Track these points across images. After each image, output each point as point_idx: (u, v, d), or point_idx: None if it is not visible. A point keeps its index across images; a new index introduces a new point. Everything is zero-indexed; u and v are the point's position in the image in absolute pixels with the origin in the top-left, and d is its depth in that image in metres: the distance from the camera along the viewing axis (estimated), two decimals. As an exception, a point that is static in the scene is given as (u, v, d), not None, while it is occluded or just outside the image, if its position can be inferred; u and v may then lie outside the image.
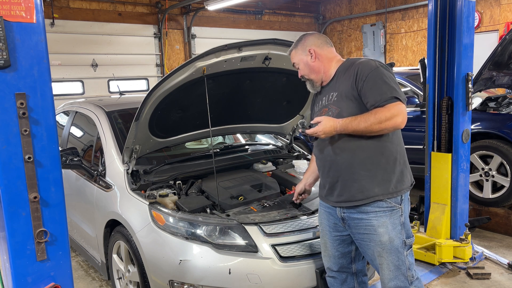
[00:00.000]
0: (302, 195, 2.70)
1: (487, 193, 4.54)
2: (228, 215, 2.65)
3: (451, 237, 3.72)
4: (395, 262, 2.14)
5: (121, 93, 4.56)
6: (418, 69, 4.00)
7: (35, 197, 1.68)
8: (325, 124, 2.06)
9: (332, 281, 2.43)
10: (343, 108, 2.13)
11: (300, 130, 2.18)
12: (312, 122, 2.13)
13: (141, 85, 9.65)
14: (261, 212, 2.69)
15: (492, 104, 4.82)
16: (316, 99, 2.36)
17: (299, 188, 2.68)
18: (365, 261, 2.46)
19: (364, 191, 2.11)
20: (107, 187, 3.08)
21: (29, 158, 1.66)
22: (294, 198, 2.73)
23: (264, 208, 2.76)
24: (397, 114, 1.97)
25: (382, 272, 2.18)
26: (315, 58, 2.24)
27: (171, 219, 2.57)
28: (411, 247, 2.21)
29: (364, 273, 2.46)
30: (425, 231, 3.85)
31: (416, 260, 3.70)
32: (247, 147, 3.81)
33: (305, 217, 2.69)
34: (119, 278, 3.09)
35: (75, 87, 8.76)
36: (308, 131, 2.12)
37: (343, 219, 2.23)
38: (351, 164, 2.12)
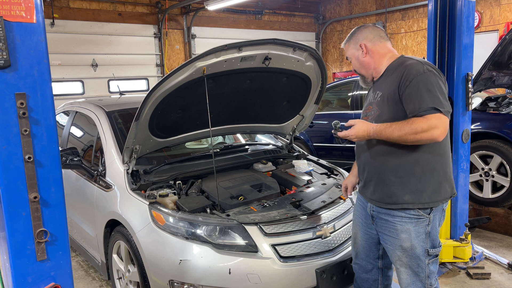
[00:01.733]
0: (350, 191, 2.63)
1: (487, 193, 4.54)
2: (228, 215, 2.65)
3: (451, 237, 3.72)
4: (414, 268, 2.12)
5: (121, 93, 4.56)
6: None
7: (35, 197, 1.69)
8: (358, 129, 2.03)
9: (357, 268, 2.48)
10: (383, 112, 2.08)
11: (332, 131, 2.15)
12: (346, 124, 2.08)
13: (141, 85, 9.65)
14: (261, 212, 2.69)
15: (492, 104, 4.82)
16: (369, 91, 2.31)
17: (347, 185, 2.58)
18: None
19: (393, 196, 2.08)
20: (107, 187, 3.08)
21: (29, 158, 1.66)
22: (345, 196, 2.73)
23: (264, 208, 2.76)
24: (435, 127, 1.88)
25: (400, 276, 2.18)
26: (365, 53, 2.18)
27: (171, 219, 2.58)
28: (436, 257, 2.16)
29: (390, 268, 2.46)
30: (425, 231, 3.84)
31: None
32: (247, 147, 3.81)
33: (305, 217, 2.69)
34: (119, 278, 3.09)
35: (75, 87, 8.76)
36: (340, 134, 2.08)
37: (372, 216, 2.24)
38: (383, 169, 2.10)
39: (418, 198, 2.05)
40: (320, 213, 2.78)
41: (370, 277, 2.45)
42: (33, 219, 1.69)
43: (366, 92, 2.34)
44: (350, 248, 2.63)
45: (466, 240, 3.58)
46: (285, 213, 2.69)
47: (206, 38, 10.35)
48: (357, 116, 2.56)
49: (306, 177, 3.37)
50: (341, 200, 3.00)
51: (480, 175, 4.59)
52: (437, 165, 2.07)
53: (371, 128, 2.01)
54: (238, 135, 4.25)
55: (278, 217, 2.63)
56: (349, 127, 2.05)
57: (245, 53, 2.69)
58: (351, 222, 2.60)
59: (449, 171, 2.14)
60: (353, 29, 2.27)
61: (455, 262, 3.63)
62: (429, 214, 2.08)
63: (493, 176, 4.49)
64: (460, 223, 3.71)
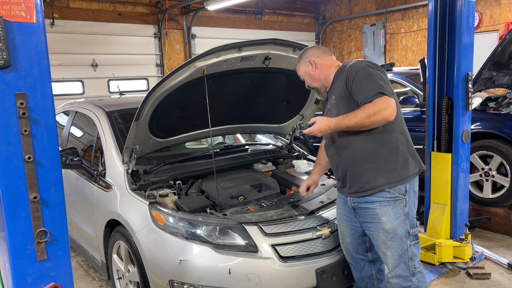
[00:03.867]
0: (310, 189, 2.82)
1: (487, 193, 4.54)
2: (225, 215, 2.65)
3: (451, 237, 3.72)
4: (398, 251, 2.29)
5: (121, 93, 4.56)
6: (418, 69, 4.00)
7: (35, 197, 1.69)
8: (319, 123, 2.24)
9: (352, 268, 2.61)
10: (340, 110, 2.29)
11: (298, 131, 2.35)
12: (308, 122, 2.30)
13: (141, 85, 9.65)
14: (258, 212, 2.69)
15: (492, 104, 4.82)
16: (325, 103, 2.53)
17: (304, 185, 2.80)
18: None
19: (370, 182, 2.26)
20: (107, 187, 3.08)
21: (29, 158, 1.66)
22: (302, 194, 2.80)
23: (262, 208, 2.76)
24: (384, 107, 2.09)
25: (386, 260, 2.34)
26: (315, 67, 2.43)
27: (171, 219, 2.58)
28: (416, 238, 2.34)
29: (381, 261, 2.57)
30: (425, 231, 3.85)
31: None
32: (247, 147, 3.81)
33: (303, 217, 2.69)
34: (119, 278, 3.09)
35: (75, 87, 8.76)
36: (305, 131, 2.29)
37: (354, 208, 2.41)
38: (354, 159, 2.29)
39: (391, 177, 2.24)
40: (319, 213, 2.78)
41: (365, 274, 2.60)
42: (33, 219, 1.69)
43: None
44: None
45: (466, 240, 3.58)
46: (282, 213, 2.69)
47: (206, 38, 10.34)
48: None
49: (306, 177, 3.37)
50: None
51: (480, 175, 4.59)
52: (399, 144, 2.27)
53: (331, 121, 2.22)
54: (238, 135, 4.25)
55: (275, 217, 2.63)
56: (312, 125, 2.26)
57: (245, 53, 2.70)
58: None
59: (412, 147, 2.35)
60: (301, 52, 2.53)
61: (455, 262, 3.63)
62: (404, 195, 2.27)
63: (493, 176, 4.49)
64: (460, 223, 3.71)
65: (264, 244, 2.49)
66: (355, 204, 2.39)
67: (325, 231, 2.66)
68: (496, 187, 4.53)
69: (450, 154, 3.62)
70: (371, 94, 2.14)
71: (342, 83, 2.29)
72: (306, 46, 2.94)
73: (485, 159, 4.55)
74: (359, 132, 2.24)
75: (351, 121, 2.16)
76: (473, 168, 4.55)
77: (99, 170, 3.26)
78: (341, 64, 2.43)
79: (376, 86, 2.16)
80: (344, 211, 2.53)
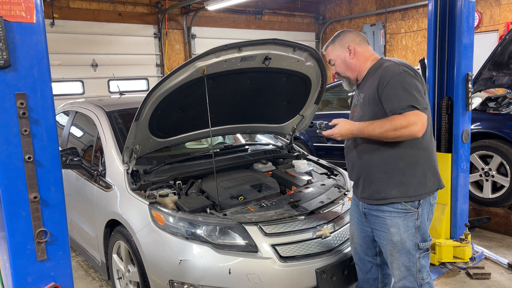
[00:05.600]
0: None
1: (487, 193, 4.54)
2: (225, 214, 2.65)
3: (451, 237, 3.72)
4: (406, 263, 2.19)
5: (121, 93, 4.56)
6: (418, 69, 4.00)
7: (35, 197, 1.69)
8: (341, 127, 2.12)
9: (357, 269, 2.55)
10: (365, 112, 2.18)
11: (317, 131, 2.23)
12: (330, 123, 2.16)
13: (141, 85, 9.65)
14: (258, 212, 2.69)
15: (492, 104, 4.82)
16: (355, 94, 2.40)
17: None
18: None
19: (381, 192, 2.17)
20: (107, 187, 3.08)
21: (29, 158, 1.66)
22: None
23: (262, 208, 2.76)
24: (413, 123, 1.96)
25: (393, 270, 2.26)
26: (353, 55, 2.25)
27: (171, 219, 2.58)
28: (427, 251, 2.22)
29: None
30: (425, 231, 3.84)
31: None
32: (247, 147, 3.81)
33: (303, 217, 2.69)
34: (119, 278, 3.09)
35: (75, 87, 8.76)
36: (325, 133, 2.17)
37: (365, 214, 2.33)
38: (369, 166, 2.20)
39: (404, 191, 2.13)
40: (319, 213, 2.78)
41: (370, 276, 2.52)
42: (33, 219, 1.69)
43: None
44: (350, 248, 2.64)
45: (466, 240, 3.58)
46: (282, 213, 2.69)
47: (206, 38, 10.34)
48: None
49: (306, 177, 3.37)
50: (341, 200, 3.00)
51: (480, 175, 4.59)
52: (420, 159, 2.15)
53: (354, 127, 2.10)
54: (238, 135, 4.25)
55: (275, 217, 2.63)
56: (333, 126, 2.13)
57: (245, 53, 2.69)
58: None
59: (434, 164, 2.22)
60: (337, 33, 2.33)
61: (455, 262, 3.63)
62: (417, 208, 2.15)
63: (493, 176, 4.49)
64: (460, 223, 3.71)
65: (264, 244, 2.49)
66: (366, 210, 2.31)
67: (325, 231, 2.66)
68: (496, 187, 4.53)
69: (450, 154, 3.62)
70: (402, 105, 1.99)
71: (374, 84, 2.13)
72: (307, 46, 2.94)
73: (485, 159, 4.55)
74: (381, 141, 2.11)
75: (375, 130, 2.03)
76: (473, 168, 4.55)
77: (99, 170, 3.26)
78: (378, 57, 2.27)
79: (409, 98, 2.00)
80: (355, 213, 2.46)
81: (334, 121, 2.15)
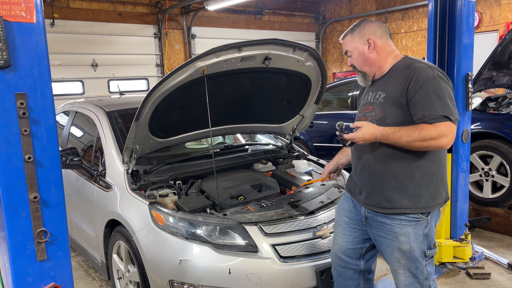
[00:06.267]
0: (332, 174, 2.52)
1: (487, 193, 4.54)
2: (225, 215, 2.65)
3: (451, 237, 3.72)
4: (413, 270, 2.09)
5: (121, 93, 4.56)
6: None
7: (35, 197, 1.69)
8: (365, 131, 1.95)
9: (336, 275, 2.39)
10: (387, 114, 2.00)
11: (337, 133, 2.04)
12: (351, 126, 1.99)
13: (141, 85, 9.65)
14: (258, 212, 2.69)
15: (492, 104, 4.82)
16: (365, 91, 2.23)
17: (330, 166, 2.50)
18: (374, 260, 2.40)
19: (391, 201, 2.04)
20: (107, 187, 3.08)
21: (29, 158, 1.66)
22: (323, 176, 2.53)
23: (262, 208, 2.76)
24: (444, 135, 1.84)
25: (398, 277, 2.13)
26: (373, 49, 2.07)
27: (171, 219, 2.57)
28: (432, 258, 2.14)
29: (371, 271, 2.41)
30: (425, 231, 3.84)
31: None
32: (247, 147, 3.81)
33: (303, 217, 2.68)
34: (119, 278, 3.09)
35: (75, 87, 8.76)
36: (347, 136, 1.99)
37: (367, 218, 2.17)
38: (383, 172, 2.05)
39: (415, 203, 2.02)
40: (319, 213, 2.78)
41: (351, 283, 2.37)
42: (33, 219, 1.69)
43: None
44: None
45: (466, 240, 3.58)
46: (282, 213, 2.69)
47: (206, 38, 10.34)
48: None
49: (306, 177, 3.37)
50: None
51: (480, 175, 4.59)
52: (436, 171, 2.05)
53: (379, 132, 1.94)
54: (238, 135, 4.25)
55: (275, 217, 2.63)
56: (354, 128, 1.98)
57: (245, 53, 2.69)
58: None
59: (446, 177, 2.13)
60: (358, 22, 2.15)
61: (455, 262, 3.63)
62: (427, 217, 2.07)
63: (493, 176, 4.49)
64: (460, 223, 3.71)
65: (264, 244, 2.49)
66: (370, 215, 2.14)
67: (325, 231, 2.66)
68: (496, 187, 4.53)
69: (450, 154, 3.62)
70: (435, 115, 1.86)
71: (401, 85, 1.96)
72: (307, 46, 2.94)
73: (485, 159, 4.55)
74: (401, 147, 1.97)
75: (402, 139, 1.89)
76: (473, 168, 4.55)
77: (99, 170, 3.26)
78: (400, 55, 2.11)
79: (443, 107, 1.87)
80: (348, 213, 2.29)
81: (357, 123, 1.98)
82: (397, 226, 2.05)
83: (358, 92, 5.98)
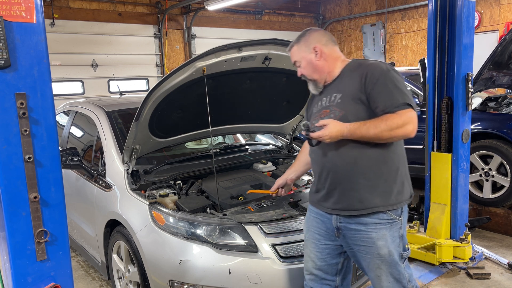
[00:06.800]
0: (281, 189, 2.52)
1: (487, 193, 4.54)
2: (225, 215, 2.65)
3: (451, 237, 3.72)
4: (396, 275, 2.06)
5: (121, 93, 4.56)
6: (418, 69, 4.00)
7: (35, 197, 1.69)
8: (331, 128, 1.91)
9: None
10: (348, 111, 1.99)
11: (303, 133, 2.00)
12: (317, 124, 1.95)
13: (141, 85, 9.65)
14: (259, 212, 2.69)
15: (492, 104, 4.83)
16: (315, 99, 2.22)
17: (280, 181, 2.49)
18: (350, 276, 2.35)
19: (363, 201, 2.00)
20: (107, 187, 3.08)
21: (29, 158, 1.66)
22: (272, 189, 2.52)
23: (262, 208, 2.76)
24: (408, 122, 1.87)
25: (381, 284, 2.08)
26: (320, 56, 2.09)
27: (171, 219, 2.57)
28: (406, 259, 2.13)
29: (348, 286, 2.34)
30: (425, 231, 3.85)
31: (416, 260, 3.72)
32: (247, 147, 3.82)
33: (303, 217, 2.68)
34: (119, 278, 3.09)
35: (75, 87, 8.76)
36: (313, 135, 1.94)
37: (339, 228, 2.10)
38: (352, 172, 2.01)
39: (387, 200, 2.01)
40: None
41: None
42: (33, 219, 1.69)
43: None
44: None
45: (466, 240, 3.58)
46: (282, 213, 2.69)
47: (206, 38, 10.34)
48: None
49: (306, 177, 3.37)
50: None
51: (480, 175, 4.59)
52: (400, 165, 2.06)
53: (345, 128, 1.92)
54: (238, 135, 4.25)
55: (275, 216, 2.63)
56: (321, 127, 1.94)
57: (245, 53, 2.69)
58: None
59: (407, 171, 2.13)
60: (302, 32, 2.17)
61: (455, 262, 3.63)
62: (400, 216, 2.05)
63: (493, 176, 4.49)
64: (460, 223, 3.71)
65: (264, 244, 2.49)
66: (342, 224, 2.07)
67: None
68: (496, 187, 4.53)
69: (450, 154, 3.62)
70: (396, 103, 1.89)
71: (356, 82, 1.99)
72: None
73: (485, 159, 4.55)
74: (366, 144, 1.96)
75: (369, 131, 1.89)
76: (473, 168, 4.56)
77: (99, 170, 3.26)
78: (347, 59, 2.16)
79: (402, 96, 1.91)
80: (317, 229, 2.20)
81: (323, 121, 1.93)
82: (372, 231, 2.02)
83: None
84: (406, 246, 2.13)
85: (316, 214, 2.21)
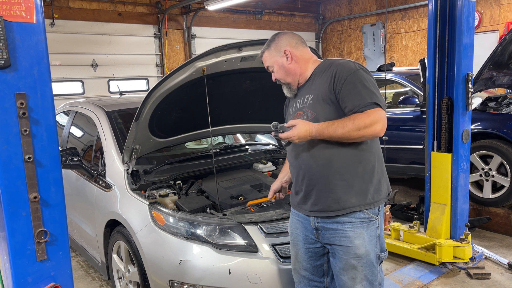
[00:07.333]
0: (278, 193, 2.51)
1: (487, 193, 4.54)
2: (225, 215, 2.65)
3: (451, 237, 3.72)
4: (369, 276, 2.04)
5: (121, 93, 4.56)
6: (418, 69, 4.00)
7: (35, 197, 1.68)
8: (299, 128, 1.91)
9: None
10: (319, 112, 2.00)
11: (272, 134, 2.00)
12: (285, 125, 1.96)
13: (141, 85, 9.65)
14: (259, 212, 2.69)
15: (492, 104, 4.83)
16: (290, 101, 2.24)
17: (275, 186, 2.47)
18: None
19: (340, 201, 1.99)
20: (107, 187, 3.08)
21: (29, 158, 1.66)
22: (269, 196, 2.49)
23: (262, 208, 2.76)
24: (376, 121, 1.86)
25: (354, 286, 2.05)
26: (291, 59, 2.09)
27: (171, 219, 2.58)
28: (382, 262, 2.11)
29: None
30: (425, 231, 3.85)
31: (416, 260, 3.72)
32: (247, 147, 3.82)
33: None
34: (119, 278, 3.09)
35: (75, 87, 8.76)
36: (282, 135, 1.95)
37: (317, 229, 2.09)
38: (327, 173, 2.00)
39: (364, 199, 2.00)
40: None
41: None
42: (33, 219, 1.69)
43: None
44: None
45: (466, 240, 3.58)
46: (282, 213, 2.69)
47: (206, 38, 10.35)
48: None
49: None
50: None
51: (480, 175, 4.59)
52: (376, 163, 2.04)
53: (313, 128, 1.92)
54: (238, 135, 4.26)
55: (275, 216, 2.63)
56: (290, 127, 1.94)
57: (245, 53, 2.69)
58: None
59: (384, 169, 2.12)
60: (271, 36, 2.17)
61: (455, 262, 3.63)
62: (377, 215, 2.04)
63: (493, 176, 4.49)
64: (460, 223, 3.71)
65: (264, 244, 2.49)
66: (320, 224, 2.06)
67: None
68: (496, 187, 4.53)
69: (450, 154, 3.62)
70: (364, 103, 1.88)
71: (326, 82, 1.98)
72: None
73: (485, 159, 4.55)
74: (340, 144, 1.95)
75: (336, 131, 1.88)
76: (473, 168, 4.56)
77: (99, 170, 3.26)
78: (319, 59, 2.15)
79: (370, 95, 1.90)
80: (299, 231, 2.19)
81: (291, 122, 1.94)
82: (349, 230, 2.01)
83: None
84: (385, 248, 2.12)
85: (298, 216, 2.21)
